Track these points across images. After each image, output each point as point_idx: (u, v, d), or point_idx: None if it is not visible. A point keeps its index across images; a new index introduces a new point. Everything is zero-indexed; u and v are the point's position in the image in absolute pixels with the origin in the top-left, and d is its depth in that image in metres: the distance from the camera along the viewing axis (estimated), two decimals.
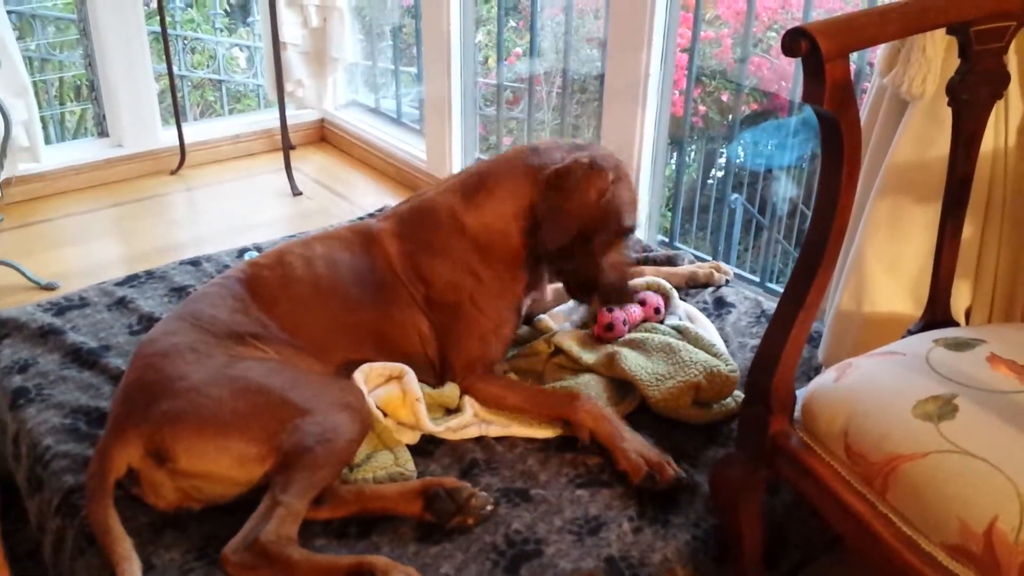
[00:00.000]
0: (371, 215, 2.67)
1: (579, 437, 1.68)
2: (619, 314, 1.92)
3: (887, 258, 1.73)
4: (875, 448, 1.21)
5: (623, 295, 1.84)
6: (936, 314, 1.52)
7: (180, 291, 2.23)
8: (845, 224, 1.21)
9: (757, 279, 2.74)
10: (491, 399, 1.76)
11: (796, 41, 1.11)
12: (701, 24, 2.98)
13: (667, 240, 3.02)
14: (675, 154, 3.66)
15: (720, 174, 4.23)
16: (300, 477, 1.43)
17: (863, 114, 1.82)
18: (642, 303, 2.00)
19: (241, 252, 2.42)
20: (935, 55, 1.61)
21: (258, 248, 2.44)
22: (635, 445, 1.62)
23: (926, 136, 1.65)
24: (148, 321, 2.09)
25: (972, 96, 1.40)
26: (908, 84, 1.64)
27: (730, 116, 4.18)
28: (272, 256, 1.83)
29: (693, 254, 2.58)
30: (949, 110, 1.45)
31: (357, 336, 1.76)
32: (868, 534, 1.20)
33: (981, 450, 1.13)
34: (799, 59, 1.13)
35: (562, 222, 1.73)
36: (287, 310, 1.73)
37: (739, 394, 1.75)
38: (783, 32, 1.13)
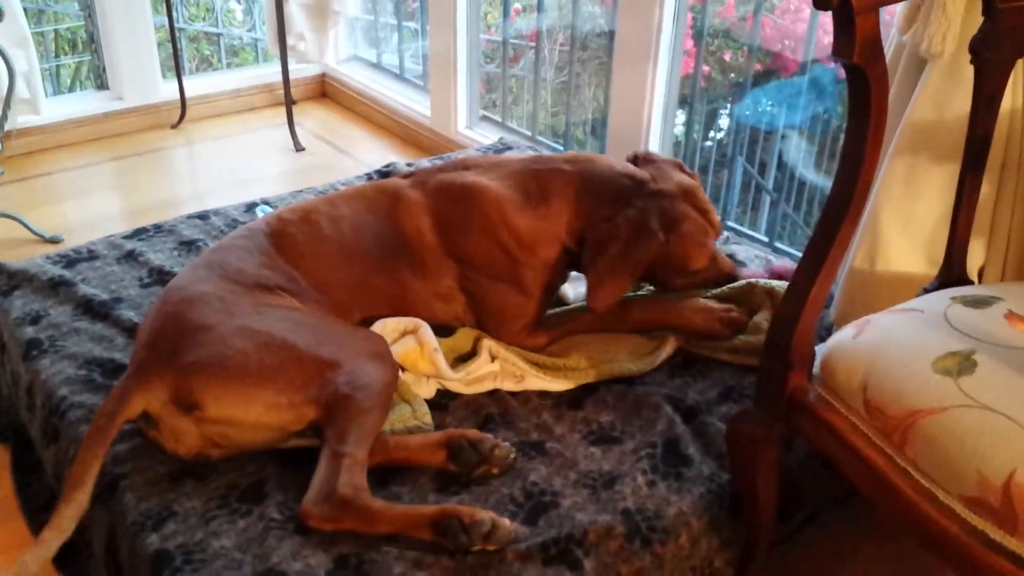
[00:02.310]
0: (379, 172, 2.66)
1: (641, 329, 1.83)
2: None
3: (902, 217, 1.73)
4: (894, 403, 1.22)
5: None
6: (952, 273, 1.53)
7: (189, 245, 2.23)
8: (870, 179, 1.21)
9: (765, 239, 2.74)
10: (543, 346, 1.82)
11: None
12: None
13: None
14: (684, 114, 3.64)
15: (720, 135, 4.22)
16: (351, 426, 1.44)
17: None
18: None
19: (250, 206, 2.42)
20: (955, 12, 1.60)
21: (267, 202, 2.44)
22: (696, 306, 1.80)
23: (944, 95, 1.65)
24: (159, 274, 2.09)
25: (994, 54, 1.40)
26: (928, 42, 1.63)
27: (731, 76, 4.14)
28: (298, 213, 1.81)
29: None
30: (968, 68, 1.45)
31: (377, 299, 1.76)
32: (887, 487, 1.21)
33: (1000, 405, 1.15)
34: (815, 13, 1.12)
35: (611, 276, 1.70)
36: (311, 267, 1.72)
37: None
38: None
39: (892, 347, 1.28)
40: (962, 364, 1.21)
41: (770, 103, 4.16)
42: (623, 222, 1.70)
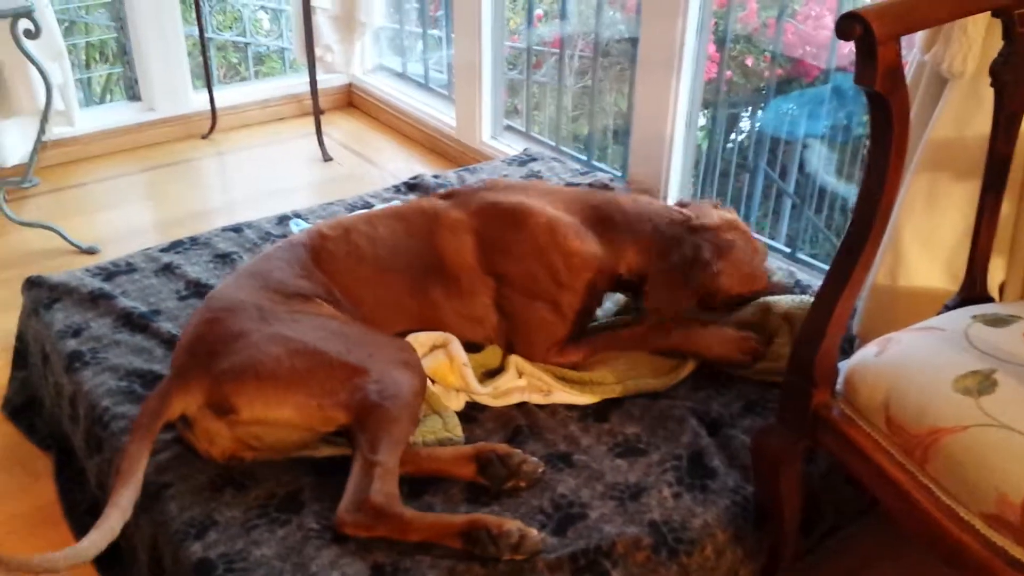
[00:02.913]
0: (407, 184, 2.71)
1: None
2: None
3: (924, 234, 1.76)
4: (916, 421, 1.25)
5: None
6: (973, 290, 1.56)
7: (224, 257, 2.28)
8: (892, 202, 1.24)
9: (787, 248, 2.76)
10: (571, 365, 1.85)
11: (850, 25, 1.14)
12: None
13: None
14: (706, 120, 3.66)
15: (741, 138, 4.23)
16: (382, 434, 1.49)
17: None
18: None
19: (282, 219, 2.47)
20: (976, 33, 1.63)
21: (298, 215, 2.49)
22: (716, 334, 1.84)
23: (965, 114, 1.68)
24: (195, 287, 2.15)
25: (1014, 77, 1.43)
26: (949, 62, 1.66)
27: (753, 81, 4.16)
28: (338, 230, 1.86)
29: None
30: (989, 88, 1.48)
31: (408, 319, 1.81)
32: (908, 503, 1.25)
33: (1020, 424, 1.18)
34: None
35: (670, 306, 1.82)
36: (347, 284, 1.78)
37: None
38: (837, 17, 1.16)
39: (914, 365, 1.31)
40: (982, 383, 1.24)
41: (792, 109, 4.18)
42: (679, 257, 1.80)
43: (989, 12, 1.45)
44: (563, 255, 1.82)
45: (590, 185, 2.00)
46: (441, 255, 1.82)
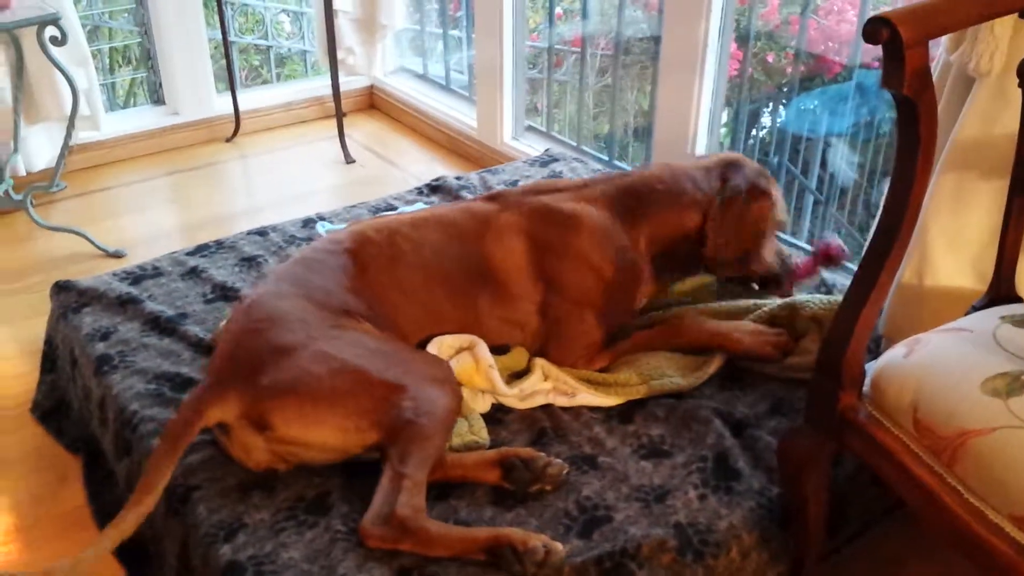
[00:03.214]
0: (429, 186, 2.72)
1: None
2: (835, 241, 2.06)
3: (950, 233, 1.75)
4: (944, 423, 1.25)
5: (782, 281, 2.00)
6: (1001, 290, 1.55)
7: (250, 261, 2.30)
8: (919, 206, 1.24)
9: (807, 247, 2.75)
10: (602, 367, 1.88)
11: (877, 29, 1.14)
12: None
13: None
14: (727, 117, 3.65)
15: (763, 134, 4.21)
16: (414, 449, 1.49)
17: None
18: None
19: (307, 222, 2.49)
20: (1003, 33, 1.62)
21: (322, 218, 2.51)
22: (747, 330, 1.86)
23: (992, 113, 1.67)
24: (222, 290, 2.17)
25: None
26: (976, 61, 1.65)
27: (775, 78, 4.14)
28: (383, 232, 1.84)
29: None
30: (1016, 88, 1.47)
31: (447, 325, 1.80)
32: (936, 505, 1.24)
33: None
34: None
35: (734, 243, 1.88)
36: (388, 288, 1.77)
37: None
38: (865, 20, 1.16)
39: (941, 367, 1.31)
40: (1011, 385, 1.24)
41: (815, 106, 4.15)
42: (732, 191, 1.90)
43: (1020, 16, 1.45)
44: (601, 250, 1.84)
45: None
46: (489, 259, 1.82)
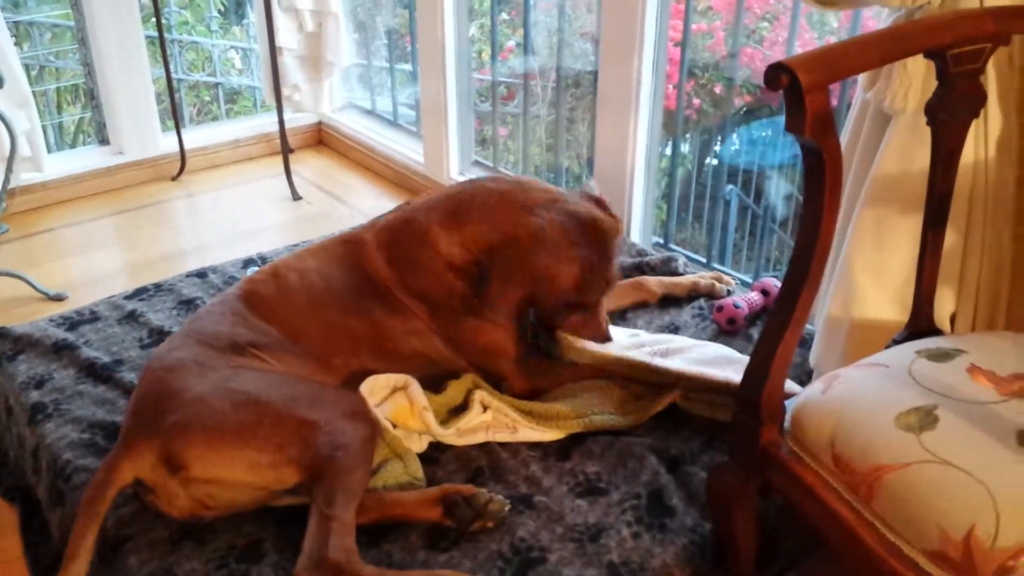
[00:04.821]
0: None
1: None
2: (741, 304, 2.04)
3: (873, 267, 1.79)
4: (860, 458, 1.27)
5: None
6: (920, 323, 1.58)
7: (188, 303, 2.29)
8: (828, 245, 1.26)
9: (751, 280, 2.79)
10: (539, 389, 1.89)
11: (777, 75, 1.17)
12: (693, 16, 3.01)
13: (662, 241, 3.07)
14: (670, 149, 3.71)
15: (715, 162, 4.28)
16: (337, 487, 1.49)
17: (847, 127, 1.88)
18: (764, 292, 2.13)
19: (246, 263, 2.48)
20: (916, 71, 1.66)
21: (262, 258, 2.50)
22: None
23: (908, 150, 1.71)
24: (159, 335, 2.15)
25: (950, 116, 1.45)
26: (890, 99, 1.69)
27: (724, 108, 4.22)
28: (267, 271, 1.90)
29: (688, 257, 2.64)
30: None
31: (353, 342, 1.82)
32: (854, 540, 1.26)
33: (960, 460, 1.19)
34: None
35: (505, 287, 1.79)
36: (284, 318, 1.80)
37: None
38: (766, 66, 1.19)
39: (858, 402, 1.33)
40: (924, 419, 1.26)
41: (761, 135, 4.22)
42: (524, 231, 1.79)
43: (924, 56, 1.48)
44: (437, 258, 1.84)
45: None
46: (369, 276, 1.85)
